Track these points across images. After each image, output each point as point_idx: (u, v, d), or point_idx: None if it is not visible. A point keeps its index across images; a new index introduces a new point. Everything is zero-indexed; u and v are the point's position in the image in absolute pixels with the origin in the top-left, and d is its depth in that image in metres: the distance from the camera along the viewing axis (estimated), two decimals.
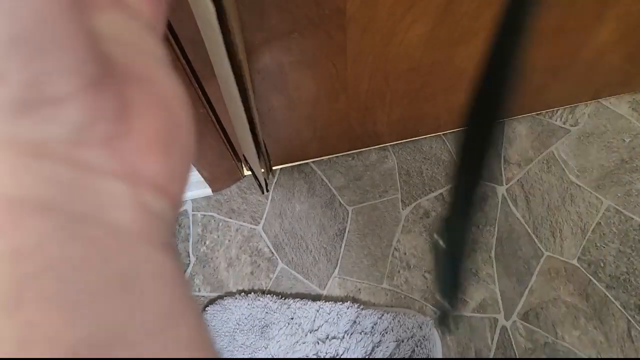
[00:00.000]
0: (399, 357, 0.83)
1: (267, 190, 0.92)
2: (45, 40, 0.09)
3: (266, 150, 0.78)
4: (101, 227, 0.10)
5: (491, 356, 0.86)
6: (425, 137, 1.02)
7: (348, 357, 0.82)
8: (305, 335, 0.84)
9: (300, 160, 0.98)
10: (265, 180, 0.81)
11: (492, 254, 0.93)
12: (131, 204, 0.11)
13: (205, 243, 0.94)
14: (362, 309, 0.86)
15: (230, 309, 0.87)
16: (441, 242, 0.28)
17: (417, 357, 0.83)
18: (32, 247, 0.09)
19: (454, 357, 0.86)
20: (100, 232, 0.10)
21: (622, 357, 0.84)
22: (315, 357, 0.82)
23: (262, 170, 0.80)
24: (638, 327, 0.86)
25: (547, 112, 1.05)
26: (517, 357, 0.85)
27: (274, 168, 0.99)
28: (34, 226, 0.09)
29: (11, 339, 0.09)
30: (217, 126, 0.76)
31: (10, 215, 0.09)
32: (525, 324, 0.87)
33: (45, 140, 0.10)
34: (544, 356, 0.85)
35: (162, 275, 0.11)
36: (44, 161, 0.10)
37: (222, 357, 0.85)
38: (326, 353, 0.83)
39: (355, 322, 0.85)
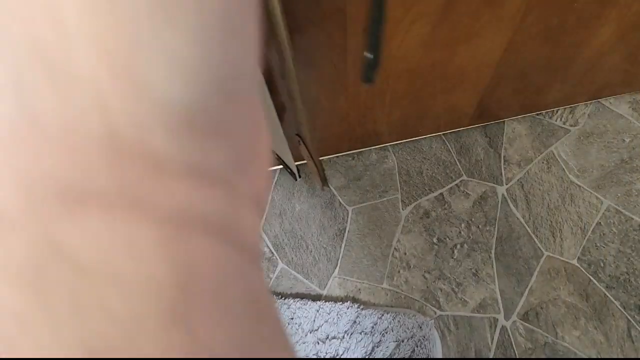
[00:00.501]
0: (399, 357, 0.83)
1: (300, 177, 0.91)
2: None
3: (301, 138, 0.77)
4: (249, 256, 0.12)
5: (491, 356, 0.86)
6: (425, 137, 1.02)
7: (348, 357, 0.82)
8: (305, 335, 0.84)
9: (300, 160, 0.99)
10: (297, 168, 0.80)
11: (492, 254, 0.93)
12: (257, 230, 0.13)
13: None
14: (362, 309, 0.86)
15: None
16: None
17: (417, 357, 0.83)
18: (204, 274, 0.10)
19: (454, 357, 0.86)
20: (248, 264, 0.12)
21: (622, 357, 0.84)
22: (315, 357, 0.82)
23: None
24: (638, 327, 0.86)
25: (547, 112, 1.05)
26: (517, 357, 0.85)
27: (273, 168, 0.99)
28: (205, 252, 0.10)
29: (181, 355, 0.09)
30: None
31: (185, 240, 0.10)
32: (525, 324, 0.88)
33: (215, 167, 0.11)
34: (544, 356, 0.85)
35: (270, 297, 0.13)
36: (213, 187, 0.11)
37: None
38: (326, 353, 0.83)
39: (355, 322, 0.85)
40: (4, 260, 0.09)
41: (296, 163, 0.99)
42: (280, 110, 0.64)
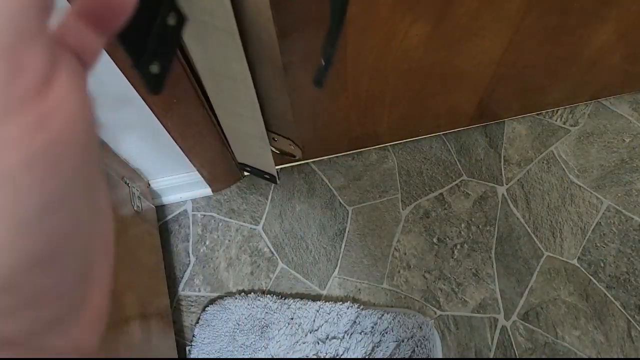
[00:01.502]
0: (398, 357, 0.83)
1: (279, 178, 0.92)
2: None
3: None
4: None
5: (491, 356, 0.85)
6: (425, 137, 1.02)
7: (348, 357, 0.82)
8: (305, 336, 0.84)
9: (300, 160, 0.98)
10: (277, 172, 0.81)
11: (492, 254, 0.93)
12: None
13: (205, 243, 0.94)
14: (362, 309, 0.86)
15: (230, 309, 0.87)
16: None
17: (417, 357, 0.83)
18: None
19: (454, 357, 0.85)
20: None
21: (622, 357, 0.84)
22: (315, 357, 0.82)
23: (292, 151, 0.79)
24: (638, 327, 0.86)
25: (547, 112, 1.05)
26: (517, 357, 0.85)
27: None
28: None
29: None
30: (217, 126, 0.76)
31: None
32: (525, 324, 0.87)
33: (15, 336, 0.11)
34: (544, 356, 0.85)
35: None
36: (10, 351, 0.11)
37: (219, 355, 0.85)
38: (326, 353, 0.83)
39: (355, 322, 0.85)
40: None
41: (282, 166, 0.99)
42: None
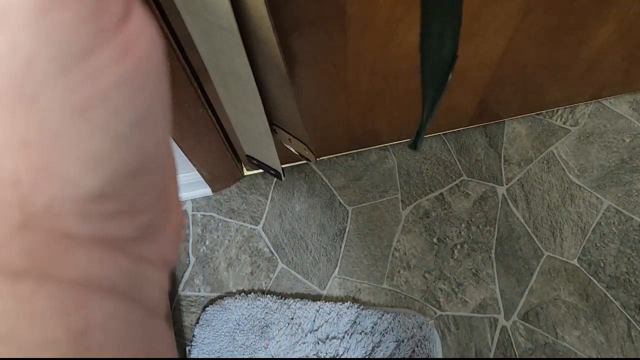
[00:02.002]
0: (399, 357, 0.83)
1: (284, 175, 0.92)
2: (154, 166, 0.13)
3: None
4: (145, 311, 0.14)
5: (491, 356, 0.86)
6: (425, 137, 1.02)
7: (348, 357, 0.82)
8: (305, 336, 0.84)
9: (300, 160, 0.98)
10: (282, 169, 0.81)
11: (492, 254, 0.93)
12: (162, 289, 0.15)
13: (205, 243, 0.94)
14: (362, 309, 0.86)
15: (230, 309, 0.87)
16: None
17: (417, 357, 0.83)
18: (100, 325, 0.12)
19: (454, 357, 0.86)
20: (144, 315, 0.14)
21: (622, 357, 0.84)
22: (315, 357, 0.82)
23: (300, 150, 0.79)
24: (638, 327, 0.86)
25: (547, 112, 1.05)
26: (517, 357, 0.85)
27: (252, 172, 0.99)
28: (101, 308, 0.12)
29: None
30: (217, 126, 0.76)
31: (83, 299, 0.12)
32: (525, 324, 0.87)
33: (121, 238, 0.13)
34: (544, 356, 0.85)
35: (172, 345, 0.15)
36: (116, 254, 0.13)
37: (222, 357, 0.85)
38: (326, 353, 0.83)
39: (355, 322, 0.85)
40: None
41: (282, 165, 0.99)
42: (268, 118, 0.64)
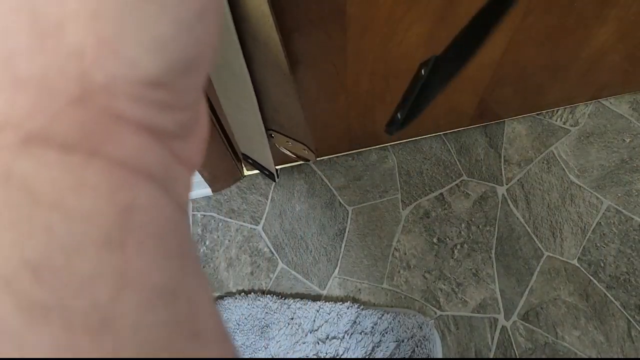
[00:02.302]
0: (399, 357, 0.83)
1: (278, 177, 0.92)
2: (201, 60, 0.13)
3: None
4: (177, 204, 0.14)
5: (491, 356, 0.86)
6: (425, 137, 1.02)
7: (348, 357, 0.82)
8: (306, 336, 0.84)
9: (300, 160, 0.98)
10: (276, 170, 0.81)
11: (492, 254, 0.93)
12: (188, 187, 0.15)
13: (205, 243, 0.94)
14: (362, 309, 0.86)
15: (230, 309, 0.87)
16: (423, 73, 0.34)
17: (417, 357, 0.83)
18: (142, 205, 0.12)
19: (454, 357, 0.85)
20: (177, 208, 0.13)
21: (623, 357, 0.84)
22: (315, 357, 0.82)
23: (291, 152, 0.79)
24: (638, 327, 0.86)
25: (547, 112, 1.05)
26: (517, 357, 0.85)
27: (250, 173, 0.99)
28: (146, 190, 0.12)
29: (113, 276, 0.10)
30: (217, 126, 0.76)
31: (130, 180, 0.12)
32: (525, 324, 0.87)
33: (164, 131, 0.13)
34: (544, 356, 0.85)
35: (190, 237, 0.14)
36: (160, 145, 0.13)
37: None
38: (326, 353, 0.83)
39: (355, 322, 0.85)
40: None
41: (282, 165, 0.99)
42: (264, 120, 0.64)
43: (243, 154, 0.81)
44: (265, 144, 0.70)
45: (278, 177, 0.96)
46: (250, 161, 0.81)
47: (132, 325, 0.10)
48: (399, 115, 0.39)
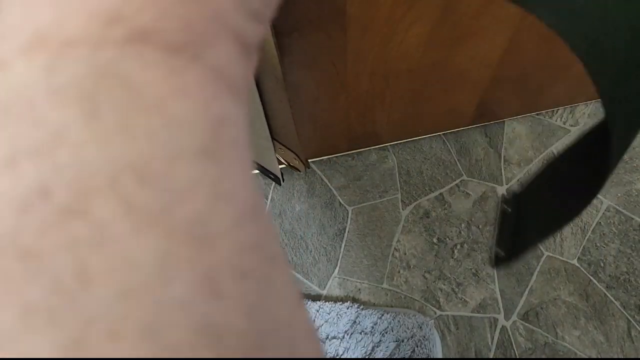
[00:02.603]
0: (398, 357, 0.83)
1: (283, 180, 0.92)
2: None
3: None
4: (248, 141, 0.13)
5: (491, 356, 0.86)
6: (425, 137, 1.02)
7: (348, 357, 0.82)
8: None
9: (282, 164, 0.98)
10: (282, 173, 0.81)
11: (493, 254, 0.93)
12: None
13: None
14: (362, 309, 0.86)
15: None
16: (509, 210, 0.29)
17: (417, 357, 0.83)
18: (232, 113, 0.12)
19: (454, 357, 0.86)
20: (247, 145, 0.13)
21: (622, 357, 0.84)
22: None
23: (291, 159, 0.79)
24: (638, 327, 0.86)
25: (547, 112, 1.05)
26: (517, 357, 0.85)
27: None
28: (233, 102, 0.12)
29: (209, 186, 0.10)
30: None
31: (220, 87, 0.12)
32: (525, 324, 0.87)
33: (250, 43, 0.13)
34: (544, 356, 0.85)
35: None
36: (245, 58, 0.13)
37: None
38: (326, 353, 0.83)
39: (355, 322, 0.85)
40: (63, 78, 0.10)
41: (282, 166, 0.99)
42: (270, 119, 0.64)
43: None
44: (271, 148, 0.70)
45: (283, 181, 0.96)
46: (255, 165, 0.81)
47: (228, 240, 0.10)
48: (501, 251, 0.37)
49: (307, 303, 0.87)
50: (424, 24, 0.64)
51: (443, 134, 1.03)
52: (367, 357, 0.82)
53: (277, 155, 0.72)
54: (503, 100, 0.94)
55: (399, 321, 0.85)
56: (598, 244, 0.93)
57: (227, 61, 0.12)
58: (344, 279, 0.91)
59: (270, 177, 0.81)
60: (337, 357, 0.82)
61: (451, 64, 0.76)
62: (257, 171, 0.99)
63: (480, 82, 0.84)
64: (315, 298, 0.89)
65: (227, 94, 0.11)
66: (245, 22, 0.12)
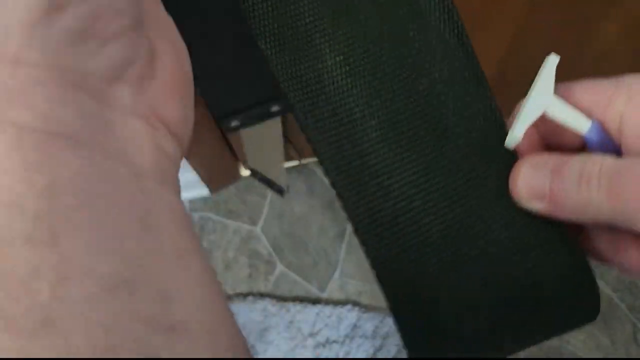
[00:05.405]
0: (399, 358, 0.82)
1: (288, 192, 0.91)
2: None
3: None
4: (126, 166, 0.11)
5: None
6: None
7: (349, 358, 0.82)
8: (305, 339, 0.84)
9: (299, 161, 0.98)
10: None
11: None
12: (150, 145, 0.12)
13: (202, 245, 0.93)
14: (363, 312, 0.86)
15: None
16: None
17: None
18: (66, 182, 0.10)
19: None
20: (125, 172, 0.11)
21: (625, 358, 0.84)
22: (315, 359, 0.82)
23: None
24: None
25: None
26: (517, 357, 0.84)
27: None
28: (68, 161, 0.10)
29: (50, 272, 0.09)
30: (216, 125, 0.74)
31: (46, 150, 0.10)
32: None
33: (87, 73, 0.11)
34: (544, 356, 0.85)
35: (176, 215, 0.12)
36: (80, 94, 0.11)
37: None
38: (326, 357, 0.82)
39: (356, 325, 0.84)
40: None
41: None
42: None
43: (251, 169, 0.81)
44: (281, 160, 0.70)
45: (287, 192, 0.95)
46: (259, 177, 0.81)
47: (79, 322, 0.09)
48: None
49: (306, 306, 0.86)
50: None
51: None
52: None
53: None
54: (505, 99, 0.94)
55: None
56: None
57: (49, 107, 0.11)
58: (344, 281, 0.90)
59: (273, 189, 0.81)
60: (337, 358, 0.82)
61: None
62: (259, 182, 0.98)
63: None
64: (315, 301, 0.88)
65: (62, 146, 0.10)
66: (56, 48, 0.11)
